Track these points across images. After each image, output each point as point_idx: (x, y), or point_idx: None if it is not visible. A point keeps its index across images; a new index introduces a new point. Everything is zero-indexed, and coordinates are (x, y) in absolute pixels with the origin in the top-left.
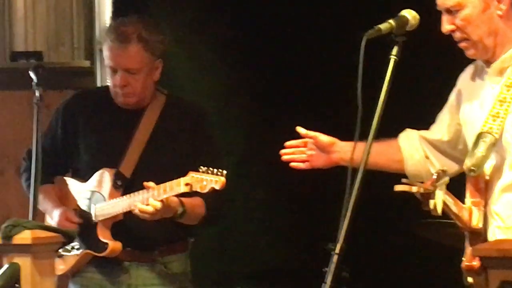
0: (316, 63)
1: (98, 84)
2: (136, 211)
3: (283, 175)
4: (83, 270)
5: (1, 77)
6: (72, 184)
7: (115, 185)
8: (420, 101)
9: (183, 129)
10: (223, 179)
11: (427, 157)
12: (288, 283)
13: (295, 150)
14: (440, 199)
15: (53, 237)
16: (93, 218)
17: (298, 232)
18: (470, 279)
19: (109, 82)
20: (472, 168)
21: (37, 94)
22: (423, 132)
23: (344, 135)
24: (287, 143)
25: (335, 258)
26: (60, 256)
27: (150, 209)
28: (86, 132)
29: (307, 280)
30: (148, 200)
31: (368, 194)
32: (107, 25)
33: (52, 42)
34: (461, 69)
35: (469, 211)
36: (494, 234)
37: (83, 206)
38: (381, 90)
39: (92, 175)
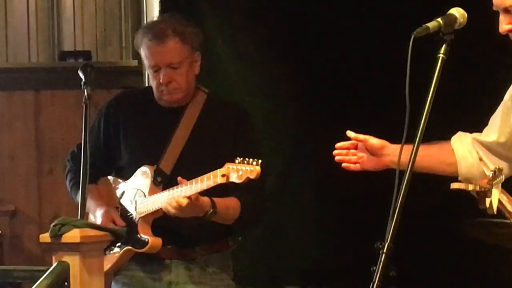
0: (365, 61)
1: (146, 83)
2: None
3: (332, 174)
4: (125, 268)
5: (50, 77)
6: (114, 182)
7: (155, 181)
8: (471, 103)
9: (223, 127)
10: (258, 168)
11: (480, 159)
12: (335, 282)
13: (347, 151)
14: (496, 198)
15: (101, 236)
16: (134, 215)
17: (346, 231)
18: None
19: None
20: None
21: (85, 93)
22: (476, 135)
23: (394, 135)
24: (338, 145)
25: (382, 257)
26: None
27: (174, 205)
28: (127, 132)
29: (355, 279)
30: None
31: (417, 192)
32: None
33: (100, 42)
34: None
35: None
36: None
37: (125, 204)
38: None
39: (134, 173)
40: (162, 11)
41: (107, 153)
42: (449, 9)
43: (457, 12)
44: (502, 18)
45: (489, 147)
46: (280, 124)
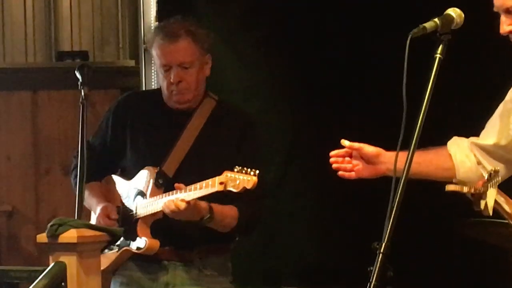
0: (362, 61)
1: (143, 83)
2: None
3: (330, 175)
4: (123, 267)
5: (47, 77)
6: (118, 181)
7: (156, 184)
8: (468, 103)
9: (228, 135)
10: (255, 178)
11: (479, 163)
12: (333, 282)
13: (342, 159)
14: (492, 199)
15: (98, 236)
16: (134, 215)
17: (344, 231)
18: None
19: (158, 85)
20: None
21: (82, 93)
22: (473, 139)
23: (392, 134)
24: (332, 153)
25: (380, 257)
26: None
27: (172, 207)
28: (134, 132)
29: (352, 279)
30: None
31: (414, 192)
32: (152, 26)
33: (98, 42)
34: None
35: None
36: None
37: (127, 203)
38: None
39: (137, 173)
40: (159, 11)
41: (113, 152)
42: (446, 9)
43: (454, 12)
44: (503, 19)
45: (488, 150)
46: (278, 124)
